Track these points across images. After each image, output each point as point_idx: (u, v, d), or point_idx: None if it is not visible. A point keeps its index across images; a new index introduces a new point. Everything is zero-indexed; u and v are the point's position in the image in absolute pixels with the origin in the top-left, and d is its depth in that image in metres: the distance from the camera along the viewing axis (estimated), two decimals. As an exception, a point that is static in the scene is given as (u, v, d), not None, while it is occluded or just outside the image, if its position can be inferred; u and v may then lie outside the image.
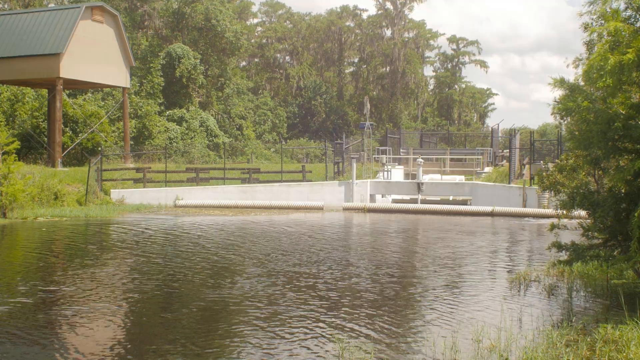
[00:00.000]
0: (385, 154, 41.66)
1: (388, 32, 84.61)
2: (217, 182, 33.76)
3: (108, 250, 17.56)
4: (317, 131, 74.77)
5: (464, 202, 33.53)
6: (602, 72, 9.10)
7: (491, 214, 27.39)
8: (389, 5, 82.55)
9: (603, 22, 9.84)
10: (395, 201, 35.65)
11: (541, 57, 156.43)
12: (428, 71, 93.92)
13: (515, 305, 10.60)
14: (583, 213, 11.95)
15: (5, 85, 41.97)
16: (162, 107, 56.30)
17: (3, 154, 25.37)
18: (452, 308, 10.62)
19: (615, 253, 11.07)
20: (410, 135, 53.04)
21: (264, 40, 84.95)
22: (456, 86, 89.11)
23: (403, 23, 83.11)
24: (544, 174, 13.46)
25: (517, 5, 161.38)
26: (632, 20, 10.01)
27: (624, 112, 9.69)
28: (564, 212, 11.89)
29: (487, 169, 40.85)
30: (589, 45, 10.62)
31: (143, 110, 50.96)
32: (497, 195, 30.50)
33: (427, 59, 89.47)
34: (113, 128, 45.84)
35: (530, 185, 28.96)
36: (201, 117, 57.59)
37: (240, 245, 18.19)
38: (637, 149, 10.02)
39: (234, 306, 10.77)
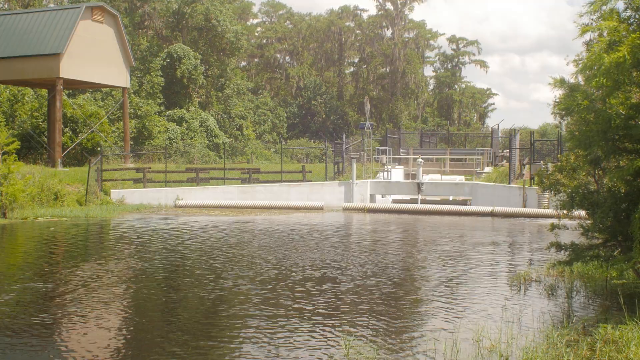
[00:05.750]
0: (385, 154, 41.65)
1: (388, 32, 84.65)
2: (217, 182, 33.76)
3: (108, 250, 17.55)
4: (317, 131, 74.73)
5: (464, 202, 33.52)
6: (596, 72, 9.09)
7: (491, 214, 27.38)
8: (389, 5, 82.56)
9: (602, 22, 9.83)
10: (395, 201, 35.64)
11: (541, 57, 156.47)
12: (428, 71, 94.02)
13: (515, 305, 10.59)
14: (583, 213, 11.94)
15: (5, 85, 41.96)
16: (162, 108, 56.32)
17: (3, 154, 25.37)
18: (452, 308, 10.61)
19: (615, 253, 11.06)
20: (410, 136, 53.04)
21: (264, 41, 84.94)
22: (456, 86, 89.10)
23: (403, 23, 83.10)
24: (544, 174, 13.45)
25: (517, 5, 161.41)
26: (632, 20, 10.00)
27: (624, 112, 9.68)
28: (564, 212, 11.87)
29: (487, 169, 40.85)
30: (589, 45, 10.62)
31: (143, 110, 50.96)
32: (497, 196, 30.49)
33: (427, 59, 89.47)
34: (113, 128, 45.85)
35: (530, 186, 28.95)
36: (201, 117, 57.60)
37: (241, 245, 18.18)
38: (637, 149, 10.01)
39: (236, 306, 10.76)
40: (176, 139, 52.75)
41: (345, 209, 29.74)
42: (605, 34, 9.69)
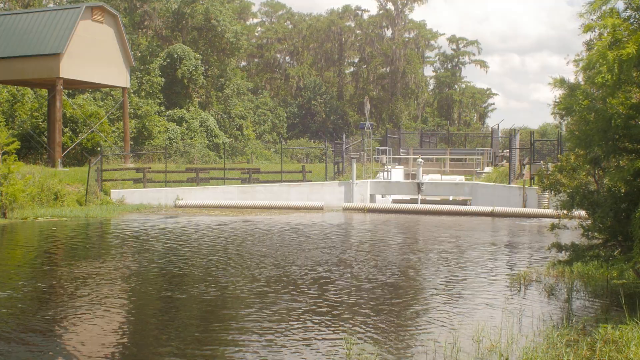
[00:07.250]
0: (385, 154, 41.65)
1: (388, 33, 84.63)
2: (217, 182, 33.75)
3: (108, 250, 17.55)
4: (317, 131, 74.72)
5: (464, 202, 33.51)
6: (600, 69, 9.09)
7: (491, 214, 27.37)
8: (390, 5, 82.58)
9: (607, 19, 9.82)
10: (395, 201, 35.63)
11: (541, 57, 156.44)
12: (428, 71, 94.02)
13: (515, 305, 10.59)
14: (583, 213, 11.94)
15: (5, 85, 41.95)
16: (162, 108, 56.32)
17: (3, 154, 25.37)
18: (452, 308, 10.61)
19: (615, 253, 11.05)
20: (410, 136, 53.03)
21: (264, 41, 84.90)
22: (456, 86, 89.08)
23: (403, 23, 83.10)
24: (544, 174, 13.44)
25: (517, 5, 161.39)
26: (632, 20, 10.00)
27: (624, 112, 9.68)
28: (564, 212, 11.86)
29: (487, 169, 40.84)
30: (589, 44, 10.62)
31: (143, 110, 50.95)
32: (497, 196, 30.49)
33: (427, 59, 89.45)
34: (113, 128, 45.85)
35: (530, 186, 28.95)
36: (201, 117, 57.59)
37: (241, 245, 18.18)
38: (637, 149, 10.01)
39: (236, 306, 10.76)
40: (176, 139, 52.74)
41: (345, 209, 29.73)
42: (606, 32, 9.68)
